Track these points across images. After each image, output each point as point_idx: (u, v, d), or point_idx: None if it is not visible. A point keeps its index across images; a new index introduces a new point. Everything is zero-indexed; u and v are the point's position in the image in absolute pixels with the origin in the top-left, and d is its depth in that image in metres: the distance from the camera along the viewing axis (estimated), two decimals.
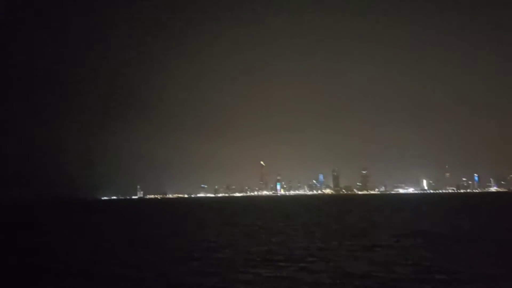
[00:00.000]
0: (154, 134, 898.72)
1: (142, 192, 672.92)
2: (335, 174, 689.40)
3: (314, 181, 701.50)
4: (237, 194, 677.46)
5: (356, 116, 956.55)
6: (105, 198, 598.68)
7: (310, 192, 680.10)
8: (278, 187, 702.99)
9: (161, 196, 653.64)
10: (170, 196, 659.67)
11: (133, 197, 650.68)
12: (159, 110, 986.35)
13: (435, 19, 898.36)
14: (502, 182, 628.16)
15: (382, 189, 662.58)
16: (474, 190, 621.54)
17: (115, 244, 41.52)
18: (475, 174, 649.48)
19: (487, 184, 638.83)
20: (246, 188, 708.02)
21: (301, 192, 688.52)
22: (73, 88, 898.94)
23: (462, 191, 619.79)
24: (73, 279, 24.56)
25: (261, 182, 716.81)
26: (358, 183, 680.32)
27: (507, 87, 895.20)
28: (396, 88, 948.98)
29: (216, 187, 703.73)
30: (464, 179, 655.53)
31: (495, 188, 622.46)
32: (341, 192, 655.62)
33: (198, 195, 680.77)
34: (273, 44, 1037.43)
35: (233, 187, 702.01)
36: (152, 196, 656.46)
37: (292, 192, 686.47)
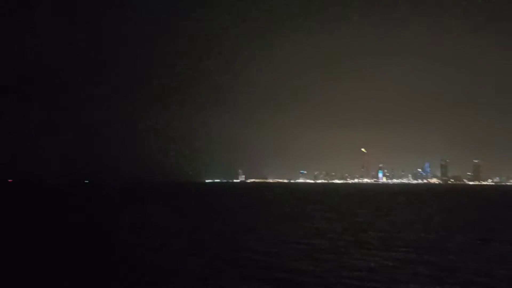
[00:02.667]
0: (257, 120, 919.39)
1: (243, 176, 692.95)
2: (443, 163, 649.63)
3: (419, 170, 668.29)
4: (337, 181, 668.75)
5: (468, 103, 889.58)
6: (209, 181, 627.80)
7: (415, 181, 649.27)
8: (380, 175, 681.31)
9: (262, 180, 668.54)
10: (271, 181, 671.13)
11: (235, 180, 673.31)
12: (264, 97, 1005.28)
13: None
14: None
15: (497, 179, 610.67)
16: None
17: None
18: None
19: None
20: (346, 175, 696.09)
21: (404, 180, 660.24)
22: (183, 77, 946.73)
23: None
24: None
25: (362, 169, 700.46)
26: (468, 173, 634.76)
27: None
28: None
29: (316, 173, 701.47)
30: None
31: None
32: (449, 182, 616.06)
33: (298, 180, 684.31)
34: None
35: (333, 173, 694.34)
36: (253, 180, 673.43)
37: (395, 181, 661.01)
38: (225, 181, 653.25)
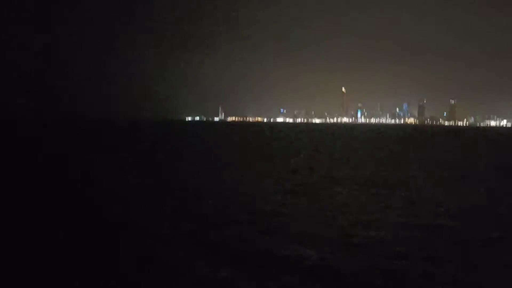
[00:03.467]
0: (238, 57, 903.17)
1: (223, 114, 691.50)
2: (421, 103, 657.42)
3: (397, 110, 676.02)
4: (316, 120, 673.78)
5: (445, 46, 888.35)
6: (189, 119, 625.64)
7: (392, 121, 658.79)
8: (359, 114, 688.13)
9: (241, 119, 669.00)
10: (250, 119, 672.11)
11: (215, 118, 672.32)
12: (244, 32, 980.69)
13: None
14: None
15: (472, 120, 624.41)
16: None
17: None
18: None
19: None
20: (326, 114, 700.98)
21: (382, 120, 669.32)
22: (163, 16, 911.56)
23: None
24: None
25: (342, 109, 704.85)
26: (445, 113, 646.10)
27: None
28: (486, 22, 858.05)
29: (296, 112, 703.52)
30: None
31: None
32: (426, 123, 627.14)
33: (277, 119, 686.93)
34: None
35: (312, 113, 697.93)
36: (233, 118, 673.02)
37: (372, 120, 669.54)
38: (204, 119, 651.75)
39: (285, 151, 62.73)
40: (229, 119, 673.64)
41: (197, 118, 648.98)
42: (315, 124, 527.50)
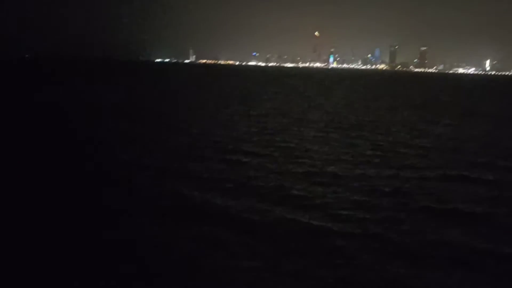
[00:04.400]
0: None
1: (194, 56, 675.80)
2: (393, 49, 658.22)
3: (369, 56, 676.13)
4: (289, 65, 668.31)
5: None
6: (159, 60, 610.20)
7: (364, 67, 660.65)
8: (331, 59, 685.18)
9: (212, 61, 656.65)
10: (222, 62, 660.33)
11: (186, 61, 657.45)
12: None
13: None
14: None
15: (441, 67, 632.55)
16: None
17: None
18: None
19: None
20: (298, 58, 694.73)
21: (354, 66, 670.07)
22: None
23: None
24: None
25: (314, 53, 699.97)
26: (415, 60, 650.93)
27: None
28: None
29: (268, 56, 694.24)
30: None
31: None
32: (396, 69, 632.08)
33: (250, 63, 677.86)
34: None
35: (285, 57, 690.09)
36: (204, 61, 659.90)
37: (345, 66, 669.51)
38: (175, 60, 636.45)
39: (258, 95, 63.01)
40: (201, 61, 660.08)
41: (168, 60, 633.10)
42: (288, 68, 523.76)
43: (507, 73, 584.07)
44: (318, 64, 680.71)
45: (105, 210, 12.68)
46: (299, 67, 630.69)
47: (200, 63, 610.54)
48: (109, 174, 16.54)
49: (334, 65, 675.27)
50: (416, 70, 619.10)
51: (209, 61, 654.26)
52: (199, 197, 13.92)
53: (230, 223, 11.91)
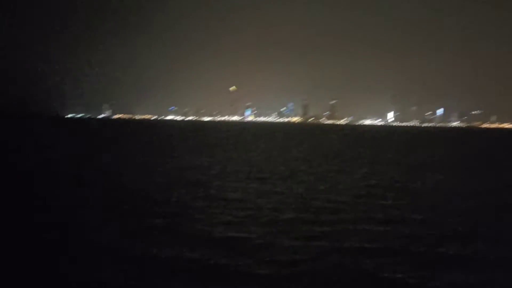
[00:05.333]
0: (124, 50, 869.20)
1: (110, 111, 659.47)
2: (305, 102, 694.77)
3: (284, 109, 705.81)
4: (206, 119, 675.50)
5: (328, 47, 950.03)
6: (70, 115, 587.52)
7: (279, 120, 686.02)
8: (248, 113, 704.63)
9: (129, 116, 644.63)
10: (138, 117, 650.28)
11: (100, 115, 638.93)
12: (127, 24, 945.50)
13: None
14: (465, 117, 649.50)
15: (350, 119, 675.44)
16: (437, 124, 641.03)
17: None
18: (440, 108, 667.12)
19: (450, 119, 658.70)
20: (215, 112, 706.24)
21: (270, 119, 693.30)
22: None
23: (425, 124, 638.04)
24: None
25: (232, 107, 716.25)
26: (326, 113, 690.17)
27: (476, 23, 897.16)
28: (365, 24, 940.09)
29: (185, 110, 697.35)
30: (429, 112, 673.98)
31: (457, 123, 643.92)
32: (309, 121, 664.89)
33: (167, 117, 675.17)
34: None
35: (202, 111, 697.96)
36: (120, 115, 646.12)
37: (261, 119, 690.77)
38: (89, 115, 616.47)
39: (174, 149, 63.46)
40: (116, 116, 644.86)
41: (81, 115, 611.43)
42: (205, 121, 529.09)
43: (407, 123, 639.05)
44: (235, 118, 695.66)
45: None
46: (216, 120, 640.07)
47: (114, 118, 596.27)
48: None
49: (251, 118, 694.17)
50: (327, 122, 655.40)
51: (124, 116, 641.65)
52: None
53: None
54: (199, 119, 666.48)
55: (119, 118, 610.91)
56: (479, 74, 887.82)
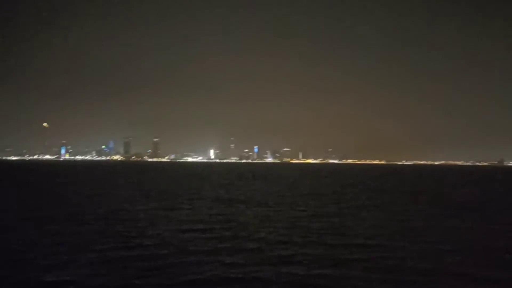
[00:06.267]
0: None
1: None
2: (127, 140, 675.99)
3: (103, 147, 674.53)
4: (13, 158, 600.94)
5: (149, 87, 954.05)
6: None
7: (98, 158, 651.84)
8: (63, 151, 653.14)
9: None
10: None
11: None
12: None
13: None
14: (277, 155, 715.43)
15: (173, 156, 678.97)
16: (254, 161, 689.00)
17: None
18: (255, 146, 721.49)
19: (264, 155, 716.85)
20: (25, 151, 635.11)
21: (88, 157, 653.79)
22: None
23: (244, 161, 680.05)
24: None
25: (46, 145, 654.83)
26: (149, 150, 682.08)
27: (281, 73, 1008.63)
28: (184, 68, 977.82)
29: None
30: (246, 150, 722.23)
31: (270, 159, 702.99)
32: (132, 159, 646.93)
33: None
34: None
35: (8, 149, 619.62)
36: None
37: (78, 157, 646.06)
38: None
39: None
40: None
41: None
42: (11, 161, 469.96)
43: (227, 160, 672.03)
44: (48, 156, 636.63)
45: None
46: (25, 159, 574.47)
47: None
48: None
49: (67, 156, 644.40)
50: (150, 160, 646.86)
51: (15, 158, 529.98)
52: None
53: None
54: (3, 158, 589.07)
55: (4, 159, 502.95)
56: (287, 118, 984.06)
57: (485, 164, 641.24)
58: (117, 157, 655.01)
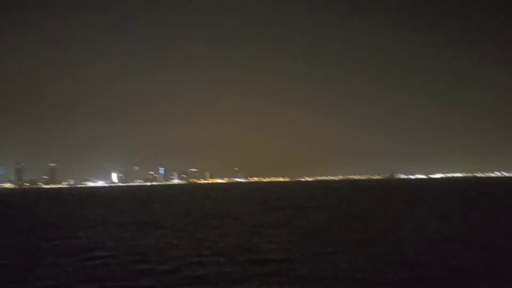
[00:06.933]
0: None
1: None
2: (19, 167, 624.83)
3: None
4: None
5: (62, 108, 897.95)
6: None
7: None
8: None
9: None
10: None
11: None
12: None
13: None
14: (183, 175, 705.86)
15: (72, 182, 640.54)
16: (160, 183, 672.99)
17: None
18: (161, 168, 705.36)
19: (170, 177, 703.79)
20: None
21: None
22: None
23: (149, 183, 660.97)
24: None
25: None
26: (44, 176, 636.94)
27: (181, 94, 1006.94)
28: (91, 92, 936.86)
29: None
30: (151, 172, 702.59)
31: (177, 180, 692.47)
32: (24, 186, 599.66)
33: None
34: None
35: None
36: None
37: None
38: None
39: None
40: None
41: None
42: None
43: (131, 183, 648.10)
44: None
45: None
46: None
47: None
48: None
49: None
50: (46, 186, 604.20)
51: None
52: None
53: None
54: None
55: None
56: (192, 138, 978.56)
57: (379, 177, 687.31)
58: (8, 185, 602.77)
